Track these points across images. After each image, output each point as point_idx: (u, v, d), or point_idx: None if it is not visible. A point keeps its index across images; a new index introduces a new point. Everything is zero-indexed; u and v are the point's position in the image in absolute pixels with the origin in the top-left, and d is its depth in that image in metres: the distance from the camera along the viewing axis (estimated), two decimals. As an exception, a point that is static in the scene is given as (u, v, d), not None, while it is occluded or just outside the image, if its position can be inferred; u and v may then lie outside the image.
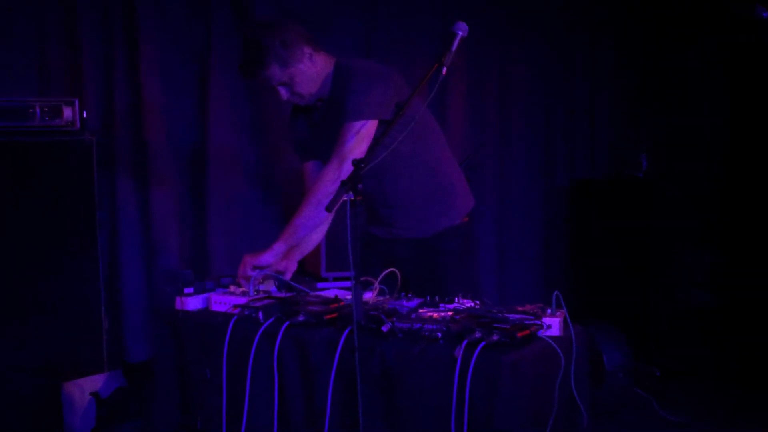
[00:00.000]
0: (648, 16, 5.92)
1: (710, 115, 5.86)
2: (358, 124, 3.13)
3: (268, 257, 3.11)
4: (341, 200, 2.50)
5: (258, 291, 3.03)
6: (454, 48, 2.97)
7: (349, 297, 2.86)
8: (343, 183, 2.51)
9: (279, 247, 3.15)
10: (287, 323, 2.73)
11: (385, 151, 2.83)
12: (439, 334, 2.51)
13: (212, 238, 4.74)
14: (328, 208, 2.50)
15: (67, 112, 3.99)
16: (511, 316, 2.58)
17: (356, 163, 2.56)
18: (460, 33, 3.00)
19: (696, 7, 5.65)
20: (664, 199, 5.50)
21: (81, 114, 4.01)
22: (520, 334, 2.45)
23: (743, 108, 5.70)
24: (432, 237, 3.38)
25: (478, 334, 2.44)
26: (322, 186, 3.12)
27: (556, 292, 2.64)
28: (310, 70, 3.23)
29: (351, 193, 2.50)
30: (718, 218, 5.55)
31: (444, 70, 2.91)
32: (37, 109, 3.93)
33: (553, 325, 2.60)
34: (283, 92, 3.23)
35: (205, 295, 3.04)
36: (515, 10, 5.71)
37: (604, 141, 6.12)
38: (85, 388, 3.94)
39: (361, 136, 3.12)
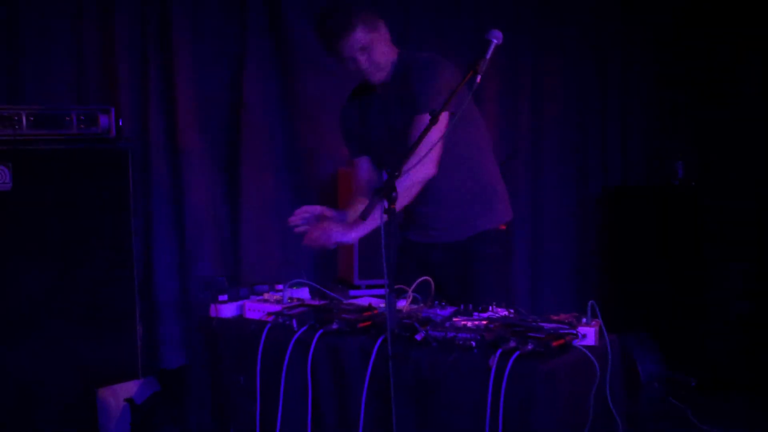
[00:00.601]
0: (681, 18, 5.86)
1: (748, 121, 5.79)
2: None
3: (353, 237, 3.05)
4: (375, 209, 2.50)
5: (291, 299, 3.03)
6: (488, 55, 2.96)
7: (383, 305, 2.86)
8: (377, 191, 2.50)
9: (361, 231, 3.04)
10: (321, 331, 2.73)
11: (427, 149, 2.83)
12: (473, 343, 2.50)
13: (245, 244, 4.76)
14: (363, 216, 2.50)
15: (103, 120, 4.03)
16: (546, 325, 2.56)
17: (390, 171, 2.56)
18: (495, 41, 2.99)
19: (731, 7, 5.59)
20: (700, 206, 5.44)
21: (117, 122, 4.05)
22: (554, 344, 2.43)
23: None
24: (467, 240, 3.31)
25: (512, 343, 2.43)
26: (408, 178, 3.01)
27: (591, 302, 2.62)
28: (387, 42, 3.20)
29: (386, 201, 2.50)
30: (757, 226, 5.47)
31: (479, 78, 2.91)
32: (74, 117, 3.97)
33: (588, 334, 2.57)
34: (363, 60, 3.14)
35: (239, 302, 3.05)
36: (548, 16, 5.68)
37: (637, 148, 6.07)
38: (119, 394, 3.97)
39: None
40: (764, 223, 5.48)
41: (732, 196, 5.54)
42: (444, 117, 2.93)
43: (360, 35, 3.11)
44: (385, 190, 2.51)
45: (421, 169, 2.97)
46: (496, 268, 3.35)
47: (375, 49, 3.15)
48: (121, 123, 4.08)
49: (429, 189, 3.23)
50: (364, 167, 3.41)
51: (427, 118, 2.91)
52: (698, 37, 5.81)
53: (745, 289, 5.40)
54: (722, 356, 5.23)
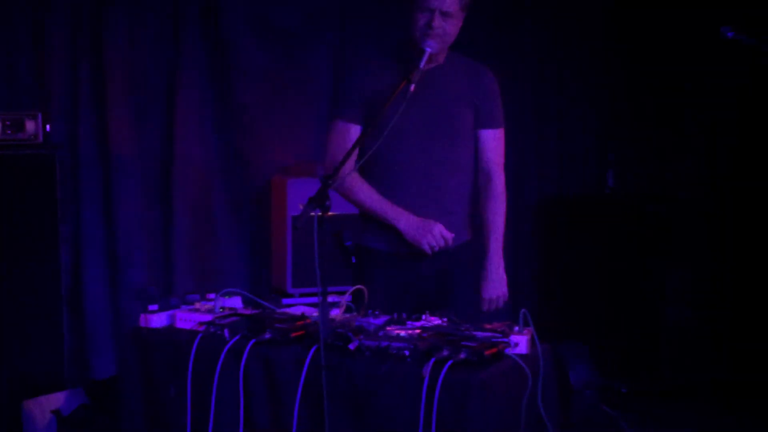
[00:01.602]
0: (616, 32, 5.95)
1: (680, 131, 5.90)
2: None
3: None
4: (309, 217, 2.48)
5: (224, 308, 2.99)
6: (422, 65, 2.99)
7: (316, 314, 2.84)
8: (311, 200, 2.49)
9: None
10: (253, 341, 2.70)
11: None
12: (407, 352, 2.50)
13: (178, 253, 4.70)
14: (296, 226, 2.48)
15: (30, 126, 3.96)
16: (479, 334, 2.57)
17: (324, 179, 2.55)
18: (429, 50, 3.03)
19: (665, 25, 5.69)
20: (632, 215, 5.52)
21: (44, 127, 3.97)
22: (487, 353, 2.44)
23: (713, 123, 5.74)
24: (454, 249, 3.21)
25: (445, 353, 2.43)
26: (503, 198, 3.24)
27: (523, 310, 2.64)
28: (459, 27, 3.11)
29: (318, 209, 2.49)
30: (689, 235, 5.57)
31: (412, 87, 2.93)
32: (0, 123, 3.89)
33: (520, 343, 2.59)
34: (438, 21, 3.01)
35: (170, 312, 3.00)
36: (483, 23, 5.67)
37: (573, 158, 6.13)
38: (46, 406, 3.88)
39: None
40: (698, 230, 5.60)
41: (665, 203, 5.64)
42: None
43: (456, 1, 3.03)
44: (318, 199, 2.50)
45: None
46: (471, 279, 3.29)
47: (452, 25, 3.06)
48: (48, 128, 4.00)
49: (434, 194, 3.18)
50: (353, 136, 3.14)
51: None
52: (633, 52, 5.90)
53: (678, 297, 5.50)
54: (654, 363, 5.32)
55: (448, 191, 3.19)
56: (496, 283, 3.20)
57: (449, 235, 3.12)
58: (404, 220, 3.13)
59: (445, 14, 3.03)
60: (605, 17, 5.94)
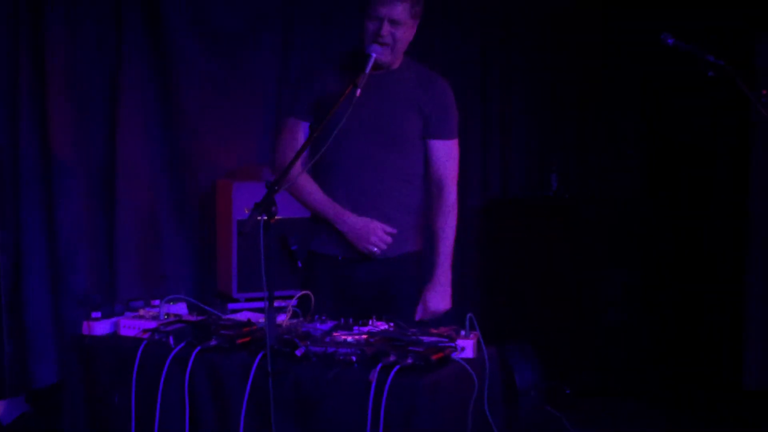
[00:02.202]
0: (561, 33, 6.02)
1: (622, 135, 6.00)
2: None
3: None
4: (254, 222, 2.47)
5: (168, 315, 2.96)
6: (368, 70, 3.00)
7: (262, 320, 2.83)
8: (257, 205, 2.48)
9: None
10: (199, 348, 2.68)
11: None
12: (354, 358, 2.50)
13: (121, 258, 4.64)
14: (242, 233, 2.48)
15: (-31, 131, 3.88)
16: (426, 338, 2.58)
17: (270, 185, 2.55)
18: (374, 55, 3.04)
19: (610, 27, 5.77)
20: (574, 218, 5.59)
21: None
22: (434, 357, 2.46)
23: (656, 128, 5.84)
24: (395, 258, 3.20)
25: (392, 358, 2.44)
26: (454, 212, 3.25)
27: (469, 315, 2.66)
28: (410, 39, 3.15)
29: (264, 214, 2.48)
30: (629, 238, 5.66)
31: (358, 92, 2.93)
32: (-63, 127, 3.81)
33: (467, 347, 2.61)
34: (387, 30, 3.04)
35: (114, 319, 2.96)
36: (430, 30, 5.68)
37: (519, 161, 6.18)
38: (-15, 415, 3.81)
39: None
40: (637, 235, 5.69)
41: (606, 208, 5.72)
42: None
43: (405, 8, 3.05)
44: (264, 205, 2.49)
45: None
46: (413, 290, 3.27)
47: (402, 32, 3.08)
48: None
49: (377, 200, 3.18)
50: (303, 133, 3.22)
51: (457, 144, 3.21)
52: (577, 53, 5.97)
53: (617, 299, 5.59)
54: (597, 364, 5.39)
55: (389, 197, 3.19)
56: (440, 297, 3.20)
57: (388, 240, 3.14)
58: (347, 221, 3.14)
59: (394, 22, 3.06)
60: (550, 24, 6.00)
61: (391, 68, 3.17)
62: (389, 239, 3.14)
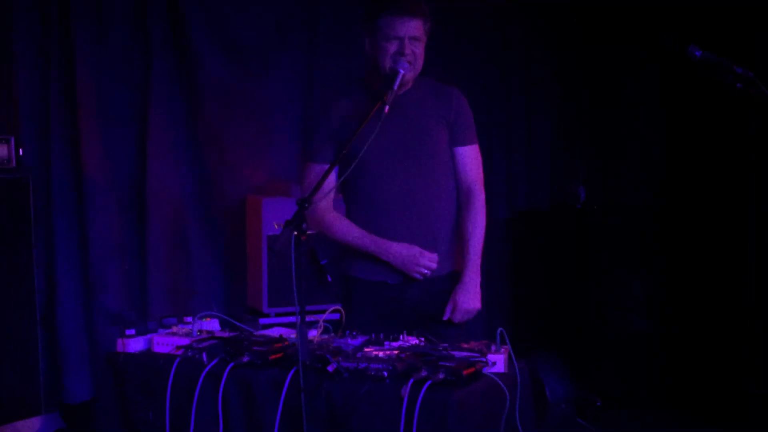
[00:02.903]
0: (586, 46, 6.02)
1: (646, 146, 5.98)
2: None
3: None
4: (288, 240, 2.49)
5: (201, 331, 2.99)
6: (396, 86, 3.02)
7: (294, 336, 2.85)
8: (287, 223, 2.50)
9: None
10: (232, 364, 2.70)
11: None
12: (385, 374, 2.51)
13: (152, 276, 4.68)
14: (273, 250, 2.50)
15: (2, 150, 3.95)
16: (456, 353, 2.59)
17: (301, 202, 2.57)
18: (402, 71, 3.06)
19: (634, 40, 5.76)
20: (600, 228, 5.58)
21: (17, 151, 3.95)
22: (465, 372, 2.46)
23: (679, 139, 5.82)
24: (439, 278, 3.22)
25: (424, 373, 2.45)
26: (483, 213, 3.25)
27: (500, 329, 2.66)
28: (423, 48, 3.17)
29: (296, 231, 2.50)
30: (653, 246, 5.64)
31: (387, 108, 2.95)
32: (-28, 147, 3.88)
33: (497, 361, 2.62)
34: (410, 47, 3.06)
35: (148, 336, 2.99)
36: (450, 41, 5.69)
37: (544, 172, 6.18)
38: (21, 431, 3.85)
39: None
40: (661, 243, 5.67)
41: (631, 217, 5.71)
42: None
43: (420, 25, 3.09)
44: (296, 222, 2.51)
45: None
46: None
47: (421, 49, 3.11)
48: (21, 152, 3.98)
49: (418, 222, 3.18)
50: (318, 174, 3.02)
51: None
52: (602, 66, 5.97)
53: (644, 308, 5.56)
54: (624, 374, 5.37)
55: (432, 217, 3.20)
56: (471, 296, 3.20)
57: (435, 258, 3.16)
58: (392, 252, 3.14)
59: (413, 39, 3.09)
60: (571, 33, 6.01)
61: (407, 86, 3.18)
62: (436, 259, 3.16)
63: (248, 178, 4.99)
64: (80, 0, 4.48)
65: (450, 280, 3.22)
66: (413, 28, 3.08)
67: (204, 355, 2.75)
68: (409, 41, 3.07)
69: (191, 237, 4.84)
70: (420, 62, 3.14)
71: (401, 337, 2.81)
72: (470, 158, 3.27)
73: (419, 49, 3.11)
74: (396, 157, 3.15)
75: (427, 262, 3.15)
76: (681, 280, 5.66)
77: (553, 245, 5.70)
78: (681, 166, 5.80)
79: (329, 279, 4.33)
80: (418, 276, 3.16)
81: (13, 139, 3.96)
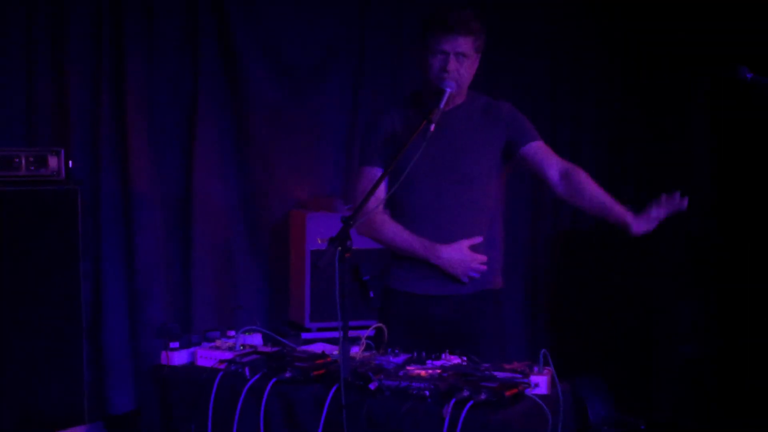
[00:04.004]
0: (633, 69, 5.99)
1: (696, 167, 5.91)
2: None
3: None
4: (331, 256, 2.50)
5: (244, 345, 3.01)
6: (442, 104, 3.01)
7: (336, 352, 2.86)
8: (332, 240, 2.51)
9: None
10: (274, 379, 2.71)
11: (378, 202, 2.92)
12: (427, 393, 2.50)
13: (197, 288, 4.72)
14: (317, 265, 2.51)
15: (53, 162, 4.00)
16: (499, 374, 2.58)
17: (345, 219, 2.57)
18: (449, 90, 3.05)
19: (684, 64, 5.71)
20: (647, 250, 5.52)
21: (67, 164, 4.01)
22: (508, 393, 2.44)
23: (729, 160, 5.75)
24: (473, 295, 3.20)
25: (466, 393, 2.43)
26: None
27: (543, 350, 2.64)
28: (475, 68, 3.15)
29: (340, 248, 2.51)
30: (702, 269, 5.57)
31: (432, 127, 2.95)
32: (23, 159, 3.94)
33: (540, 383, 2.59)
34: (454, 64, 3.05)
35: (191, 349, 3.01)
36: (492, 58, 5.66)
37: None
38: (66, 441, 3.90)
39: None
40: (711, 266, 5.59)
41: (680, 239, 5.64)
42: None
43: (468, 41, 3.07)
44: (340, 239, 2.52)
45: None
46: (494, 328, 3.28)
47: (467, 67, 3.10)
48: (71, 165, 4.04)
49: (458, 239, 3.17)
50: (373, 179, 3.08)
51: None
52: (649, 87, 5.92)
53: (692, 331, 5.49)
54: (670, 398, 5.29)
55: (472, 235, 3.18)
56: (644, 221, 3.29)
57: (484, 259, 3.16)
58: (442, 255, 3.13)
59: (459, 55, 3.07)
60: (617, 46, 5.98)
61: (456, 102, 3.18)
62: (485, 260, 3.16)
63: (293, 194, 5.02)
64: (132, 19, 4.55)
65: (480, 298, 3.20)
66: (462, 44, 3.06)
67: (247, 370, 2.76)
68: (455, 57, 3.06)
69: (235, 251, 4.89)
70: (466, 80, 3.12)
71: (443, 356, 2.80)
72: (543, 149, 3.21)
73: (465, 68, 3.09)
74: (434, 177, 3.14)
75: (476, 264, 3.14)
76: (731, 304, 5.58)
77: (598, 266, 5.65)
78: (730, 189, 5.73)
79: (371, 294, 4.35)
80: (465, 279, 3.15)
81: (63, 152, 4.02)
